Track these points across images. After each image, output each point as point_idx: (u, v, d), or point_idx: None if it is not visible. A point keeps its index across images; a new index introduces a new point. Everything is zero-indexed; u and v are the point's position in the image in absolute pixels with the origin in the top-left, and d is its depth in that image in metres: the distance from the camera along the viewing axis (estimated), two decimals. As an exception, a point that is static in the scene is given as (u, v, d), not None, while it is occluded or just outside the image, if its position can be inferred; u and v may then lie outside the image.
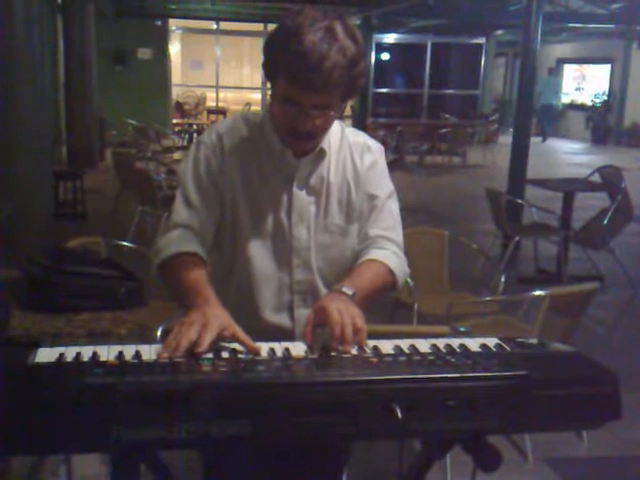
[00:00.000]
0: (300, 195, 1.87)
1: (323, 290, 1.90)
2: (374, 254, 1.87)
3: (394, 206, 1.97)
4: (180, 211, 1.85)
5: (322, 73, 1.62)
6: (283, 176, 1.86)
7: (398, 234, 1.95)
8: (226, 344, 1.55)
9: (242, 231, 1.86)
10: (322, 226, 1.88)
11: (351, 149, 1.93)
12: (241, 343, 1.54)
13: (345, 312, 1.60)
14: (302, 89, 1.66)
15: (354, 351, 1.54)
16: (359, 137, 1.97)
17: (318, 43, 1.62)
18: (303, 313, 1.85)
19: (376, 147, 1.98)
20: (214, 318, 1.56)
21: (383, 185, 1.96)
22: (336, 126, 1.90)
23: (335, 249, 1.90)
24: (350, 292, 1.69)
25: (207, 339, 1.50)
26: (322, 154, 1.88)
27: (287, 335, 1.85)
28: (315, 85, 1.65)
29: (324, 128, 1.79)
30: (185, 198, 1.86)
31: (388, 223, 1.94)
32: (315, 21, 1.65)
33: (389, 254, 1.88)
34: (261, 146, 1.87)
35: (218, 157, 1.86)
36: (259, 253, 1.86)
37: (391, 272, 1.86)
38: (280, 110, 1.76)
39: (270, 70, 1.73)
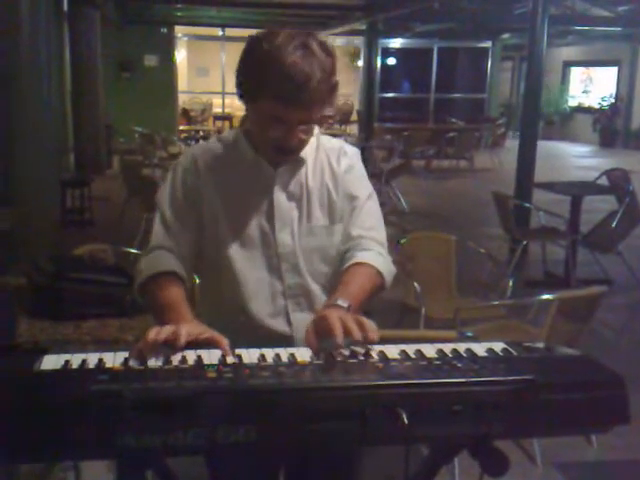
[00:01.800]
0: (281, 202, 1.89)
1: (316, 291, 1.92)
2: (360, 257, 1.87)
3: (374, 206, 1.99)
4: (159, 234, 1.90)
5: (309, 92, 1.68)
6: (261, 185, 1.90)
7: (380, 233, 1.97)
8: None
9: (227, 245, 1.88)
10: (307, 229, 1.91)
11: (327, 155, 1.96)
12: (215, 342, 1.56)
13: (346, 317, 1.60)
14: (289, 107, 1.70)
15: (361, 356, 1.53)
16: (334, 143, 2.01)
17: (300, 63, 1.67)
18: (299, 317, 1.88)
19: (352, 151, 2.01)
20: (190, 325, 1.61)
21: (362, 186, 1.98)
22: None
23: (322, 251, 1.92)
24: (345, 305, 1.69)
25: (184, 333, 1.53)
26: (300, 162, 1.91)
27: (286, 341, 1.85)
28: (303, 103, 1.70)
29: (307, 141, 1.84)
30: (163, 221, 1.90)
31: (370, 223, 1.96)
32: (290, 39, 1.69)
33: (374, 255, 1.89)
34: (236, 160, 1.91)
35: (194, 177, 1.90)
36: (247, 264, 1.88)
37: (379, 274, 1.87)
38: (264, 128, 1.79)
39: (251, 92, 1.77)
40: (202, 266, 1.96)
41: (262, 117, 1.77)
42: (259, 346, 1.56)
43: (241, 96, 1.80)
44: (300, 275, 1.90)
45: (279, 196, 1.89)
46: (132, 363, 1.46)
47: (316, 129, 1.92)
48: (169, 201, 1.91)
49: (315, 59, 1.69)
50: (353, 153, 2.01)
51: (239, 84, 1.79)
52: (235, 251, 1.88)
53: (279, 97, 1.69)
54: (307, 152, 1.92)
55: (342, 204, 1.94)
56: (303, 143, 1.83)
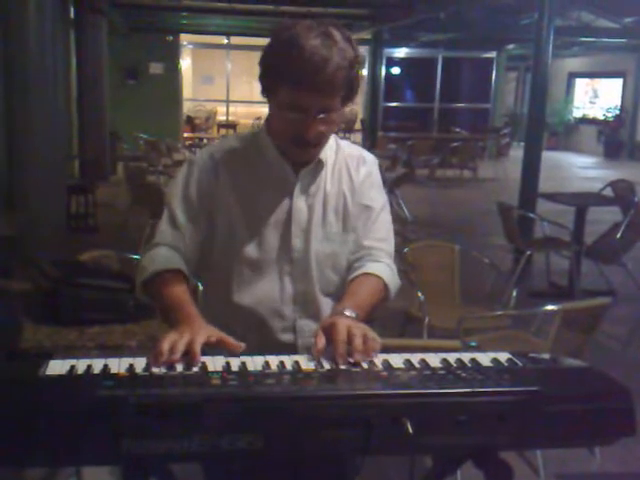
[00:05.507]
0: (299, 206, 1.88)
1: (322, 299, 1.91)
2: (369, 267, 1.88)
3: (387, 217, 2.00)
4: (165, 231, 1.87)
5: (327, 75, 1.67)
6: (282, 190, 1.88)
7: (390, 245, 1.98)
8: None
9: (242, 248, 1.86)
10: (322, 235, 1.90)
11: (347, 161, 1.96)
12: (225, 344, 1.57)
13: (355, 326, 1.60)
14: (308, 93, 1.70)
15: (364, 365, 1.53)
16: (354, 150, 2.01)
17: (319, 47, 1.67)
18: (305, 324, 1.89)
19: (371, 159, 2.01)
20: (200, 329, 1.60)
21: (377, 196, 1.99)
22: (331, 140, 1.94)
23: (334, 258, 1.92)
24: (353, 315, 1.69)
25: (198, 345, 1.52)
26: (320, 165, 1.90)
27: (289, 347, 1.85)
28: (320, 87, 1.69)
29: (327, 134, 1.82)
30: (172, 218, 1.88)
31: (381, 234, 1.97)
32: (311, 29, 1.70)
33: (383, 267, 1.90)
34: (257, 161, 1.89)
35: (211, 177, 1.87)
36: (260, 267, 1.87)
37: (385, 286, 1.88)
38: (284, 119, 1.77)
39: (271, 82, 1.77)
40: (208, 270, 1.94)
41: (282, 107, 1.75)
42: (261, 352, 1.56)
43: (264, 92, 1.80)
44: (310, 281, 1.89)
45: (298, 201, 1.88)
46: (154, 370, 1.46)
47: (333, 137, 1.94)
48: (181, 200, 1.88)
49: (335, 46, 1.69)
50: (372, 161, 2.01)
51: (261, 75, 1.79)
52: (250, 255, 1.86)
53: (297, 81, 1.69)
54: (327, 155, 1.91)
55: (356, 213, 1.93)
56: (323, 137, 1.80)
